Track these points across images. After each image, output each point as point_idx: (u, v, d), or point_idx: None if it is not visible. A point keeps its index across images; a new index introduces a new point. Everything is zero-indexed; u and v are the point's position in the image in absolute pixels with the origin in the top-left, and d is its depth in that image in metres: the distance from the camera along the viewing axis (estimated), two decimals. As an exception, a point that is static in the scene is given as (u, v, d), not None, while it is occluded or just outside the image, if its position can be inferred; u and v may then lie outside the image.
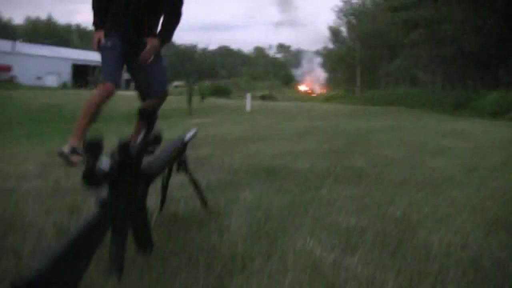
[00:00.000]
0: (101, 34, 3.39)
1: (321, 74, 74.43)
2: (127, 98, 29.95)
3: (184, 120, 14.70)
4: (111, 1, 3.39)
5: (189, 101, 16.99)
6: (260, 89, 56.65)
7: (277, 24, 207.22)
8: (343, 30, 46.77)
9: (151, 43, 3.38)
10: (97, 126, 12.85)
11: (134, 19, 3.38)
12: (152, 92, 3.56)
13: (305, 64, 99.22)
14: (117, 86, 3.47)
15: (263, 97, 35.30)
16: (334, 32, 48.40)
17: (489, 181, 2.81)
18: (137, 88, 3.71)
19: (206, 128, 6.95)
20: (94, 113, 3.38)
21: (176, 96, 26.88)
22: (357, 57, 40.76)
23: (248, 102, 18.22)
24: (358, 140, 5.05)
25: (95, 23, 3.44)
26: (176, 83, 42.76)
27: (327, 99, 50.57)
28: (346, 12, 42.94)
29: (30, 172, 2.95)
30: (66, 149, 3.14)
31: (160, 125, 9.71)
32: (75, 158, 3.09)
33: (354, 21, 42.31)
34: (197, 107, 16.94)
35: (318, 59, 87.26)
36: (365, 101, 32.98)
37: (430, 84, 25.94)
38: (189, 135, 1.85)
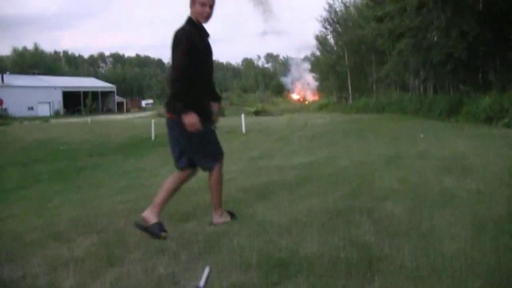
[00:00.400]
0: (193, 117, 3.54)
1: (311, 81, 74.66)
2: (119, 124, 29.81)
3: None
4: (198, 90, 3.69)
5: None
6: (252, 103, 56.81)
7: (262, 33, 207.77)
8: (330, 38, 46.99)
9: (216, 107, 3.97)
10: (94, 160, 12.71)
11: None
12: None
13: (294, 72, 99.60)
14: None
15: (257, 113, 35.38)
16: (321, 41, 48.65)
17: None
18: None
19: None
20: (175, 192, 3.94)
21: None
22: (346, 65, 40.92)
23: (243, 123, 18.23)
24: (360, 187, 4.99)
25: (186, 106, 3.53)
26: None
27: (320, 107, 50.85)
28: (331, 21, 43.11)
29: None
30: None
31: (158, 154, 9.57)
32: (164, 234, 3.61)
33: (339, 29, 42.47)
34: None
35: (307, 66, 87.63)
36: (358, 109, 33.13)
37: (422, 89, 25.98)
38: (202, 281, 1.70)
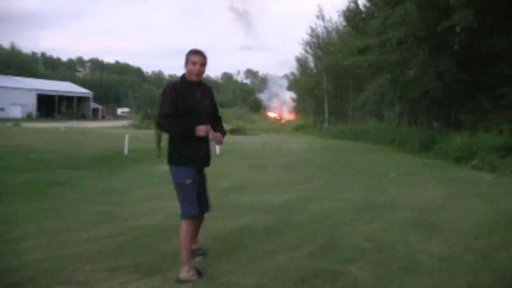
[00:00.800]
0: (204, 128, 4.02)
1: (289, 99, 75.24)
2: (93, 133, 29.29)
3: (153, 165, 14.51)
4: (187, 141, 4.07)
5: (158, 141, 16.44)
6: (230, 118, 56.85)
7: (242, 47, 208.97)
8: (310, 61, 47.56)
9: (217, 136, 4.17)
10: (65, 174, 12.36)
11: (204, 154, 4.19)
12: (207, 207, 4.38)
13: (272, 89, 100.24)
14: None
15: (233, 131, 35.42)
16: (301, 64, 49.21)
17: None
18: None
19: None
20: (191, 241, 4.12)
21: (148, 131, 26.65)
22: (325, 89, 41.36)
23: (218, 146, 18.22)
24: (328, 243, 5.04)
25: (188, 128, 4.02)
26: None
27: (296, 128, 51.23)
28: (312, 45, 43.66)
29: None
30: (184, 275, 3.97)
31: (131, 172, 9.48)
32: (197, 277, 3.97)
33: (320, 53, 43.01)
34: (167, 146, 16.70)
35: (286, 84, 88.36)
36: (333, 135, 33.53)
37: (397, 121, 26.46)
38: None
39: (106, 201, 9.55)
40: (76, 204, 9.59)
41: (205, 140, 4.13)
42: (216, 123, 4.35)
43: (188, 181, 4.02)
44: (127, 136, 19.25)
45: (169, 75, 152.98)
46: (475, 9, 14.49)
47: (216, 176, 12.27)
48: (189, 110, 4.03)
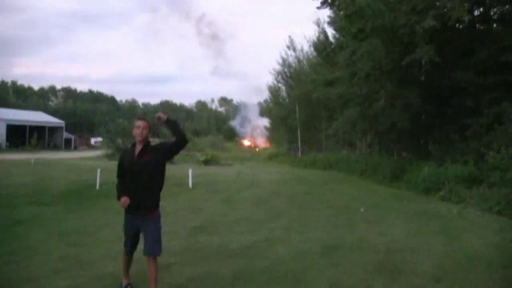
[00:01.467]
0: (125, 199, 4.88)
1: (263, 127, 75.66)
2: (64, 166, 28.49)
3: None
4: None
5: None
6: (204, 148, 56.72)
7: (213, 73, 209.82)
8: (282, 91, 48.06)
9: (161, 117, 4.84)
10: (33, 211, 11.92)
11: (134, 205, 4.86)
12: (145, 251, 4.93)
13: (246, 117, 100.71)
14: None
15: (206, 162, 35.28)
16: (273, 93, 49.67)
17: None
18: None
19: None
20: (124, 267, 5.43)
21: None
22: (297, 118, 41.66)
23: (190, 179, 18.17)
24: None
25: (118, 195, 5.06)
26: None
27: (270, 156, 51.41)
28: (284, 75, 44.23)
29: None
30: None
31: (101, 209, 9.30)
32: None
33: (292, 83, 43.53)
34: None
35: (258, 112, 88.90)
36: (306, 164, 33.75)
37: (369, 151, 26.81)
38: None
39: (73, 242, 9.37)
40: (41, 246, 9.36)
41: (138, 191, 4.83)
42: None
43: (124, 227, 5.12)
44: (99, 171, 18.97)
45: (143, 104, 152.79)
46: (436, 46, 15.03)
47: (188, 212, 12.26)
48: (128, 168, 4.94)
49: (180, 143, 4.89)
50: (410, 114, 18.00)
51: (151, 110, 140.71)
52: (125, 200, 4.83)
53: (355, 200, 13.66)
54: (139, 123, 4.88)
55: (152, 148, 4.96)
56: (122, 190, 4.96)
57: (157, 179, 4.94)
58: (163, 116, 4.79)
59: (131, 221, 4.98)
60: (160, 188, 5.04)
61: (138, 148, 4.90)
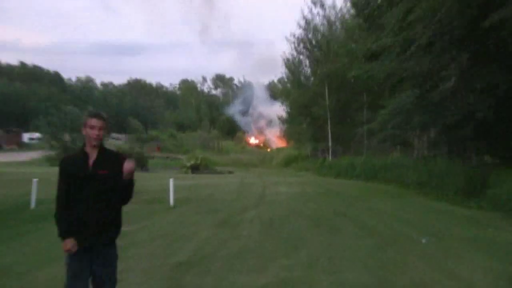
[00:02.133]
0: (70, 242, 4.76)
1: (276, 118, 75.07)
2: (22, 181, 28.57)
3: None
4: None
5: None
6: (190, 145, 56.78)
7: (203, 42, 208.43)
8: (305, 66, 47.59)
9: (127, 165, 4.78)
10: None
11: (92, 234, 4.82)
12: None
13: (254, 104, 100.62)
14: None
15: (194, 168, 35.19)
16: (292, 70, 48.96)
17: None
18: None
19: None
20: None
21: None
22: (327, 106, 41.35)
23: (171, 191, 18.14)
24: None
25: (59, 235, 4.82)
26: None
27: (287, 161, 51.41)
28: (308, 43, 43.81)
29: None
30: None
31: (37, 237, 9.35)
32: None
33: (319, 55, 43.12)
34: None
35: (270, 95, 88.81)
36: (339, 172, 33.67)
37: (430, 153, 26.56)
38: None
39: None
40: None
41: (92, 221, 4.79)
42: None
43: (67, 265, 4.93)
44: (35, 182, 18.84)
45: (102, 84, 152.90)
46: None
47: (170, 241, 12.12)
48: (77, 186, 4.78)
49: (123, 201, 4.99)
50: (494, 100, 17.73)
51: (115, 94, 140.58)
52: (72, 245, 4.73)
53: (410, 226, 13.49)
54: (94, 122, 4.81)
55: (109, 155, 4.96)
56: (66, 223, 4.80)
57: (118, 201, 4.96)
58: (131, 171, 4.82)
59: (79, 256, 4.82)
60: (120, 214, 5.07)
61: (93, 155, 4.86)
